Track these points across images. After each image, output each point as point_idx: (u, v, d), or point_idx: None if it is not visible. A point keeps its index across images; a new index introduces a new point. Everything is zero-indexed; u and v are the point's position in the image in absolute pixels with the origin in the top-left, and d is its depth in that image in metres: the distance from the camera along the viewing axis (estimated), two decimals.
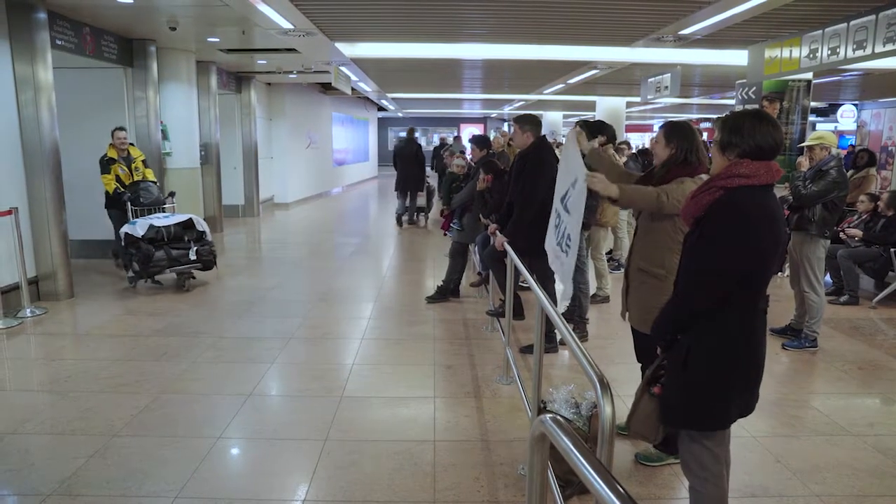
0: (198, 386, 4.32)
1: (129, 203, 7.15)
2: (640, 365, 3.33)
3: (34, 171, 6.24)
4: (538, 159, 4.69)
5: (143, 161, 7.54)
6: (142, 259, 6.49)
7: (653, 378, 2.40)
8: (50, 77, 6.24)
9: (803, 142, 7.67)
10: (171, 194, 7.85)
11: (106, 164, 7.17)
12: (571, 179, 3.03)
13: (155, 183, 7.58)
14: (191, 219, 6.99)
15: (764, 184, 2.12)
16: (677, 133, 3.10)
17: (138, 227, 6.62)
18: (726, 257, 2.10)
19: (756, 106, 8.35)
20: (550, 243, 3.49)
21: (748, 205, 2.10)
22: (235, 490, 3.07)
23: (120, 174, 7.22)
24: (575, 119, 9.75)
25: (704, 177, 3.02)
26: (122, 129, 7.32)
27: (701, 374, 2.20)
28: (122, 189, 7.19)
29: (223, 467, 3.32)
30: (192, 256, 6.73)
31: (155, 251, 6.57)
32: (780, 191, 5.87)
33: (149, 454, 3.36)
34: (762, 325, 2.26)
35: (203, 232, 6.98)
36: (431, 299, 6.55)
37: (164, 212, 7.38)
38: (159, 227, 6.69)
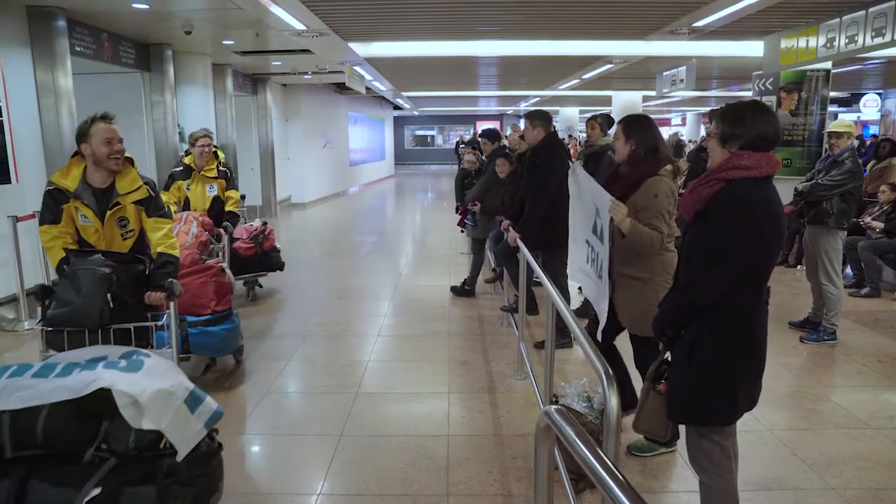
0: (215, 382, 4.38)
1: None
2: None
3: None
4: (549, 155, 4.69)
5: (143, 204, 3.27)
6: None
7: (656, 375, 2.38)
8: (70, 83, 6.38)
9: (823, 134, 7.57)
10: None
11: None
12: (593, 209, 3.02)
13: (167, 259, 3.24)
14: (105, 391, 2.17)
15: (765, 175, 2.11)
16: (635, 128, 3.11)
17: None
18: (728, 250, 2.09)
19: (773, 98, 8.25)
20: (587, 274, 3.32)
21: (750, 197, 2.09)
22: (253, 484, 3.13)
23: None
24: (591, 114, 9.75)
25: (669, 168, 3.05)
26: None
27: (706, 368, 2.19)
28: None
29: (241, 462, 3.38)
30: None
31: None
32: (784, 182, 5.79)
33: None
34: (764, 317, 2.25)
35: (154, 441, 2.24)
36: (457, 291, 6.67)
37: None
38: None
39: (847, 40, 6.03)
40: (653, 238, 2.97)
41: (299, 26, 6.84)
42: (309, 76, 13.10)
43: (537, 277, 3.53)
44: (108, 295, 2.95)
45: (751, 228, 2.08)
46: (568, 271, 3.54)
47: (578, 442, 1.43)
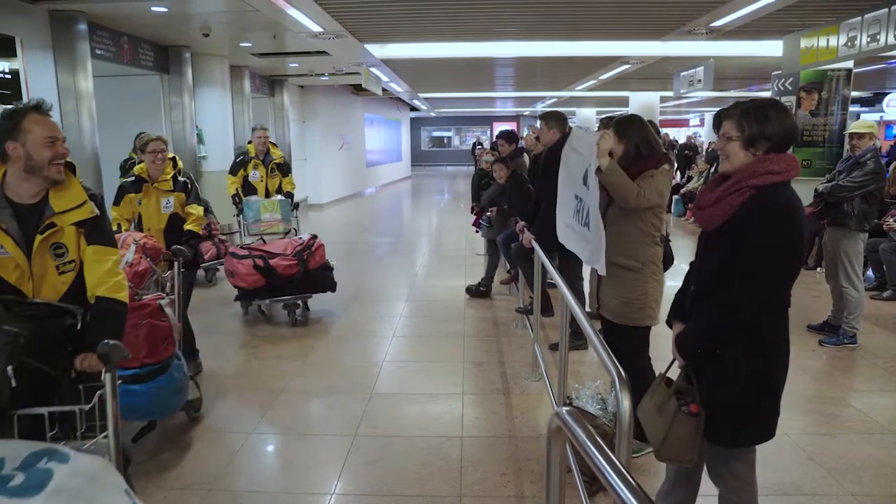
0: (231, 382, 4.43)
1: None
2: (669, 362, 3.28)
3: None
4: None
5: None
6: None
7: (678, 398, 2.19)
8: (90, 86, 6.48)
9: (844, 135, 7.46)
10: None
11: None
12: (586, 163, 3.06)
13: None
14: None
15: (791, 178, 2.03)
16: (625, 128, 3.12)
17: None
18: (777, 261, 2.00)
19: (793, 98, 8.14)
20: (571, 228, 3.39)
21: (787, 202, 2.00)
22: (267, 483, 3.15)
23: None
24: (606, 115, 9.74)
25: (667, 167, 3.06)
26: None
27: (752, 385, 2.08)
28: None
29: (256, 461, 3.41)
30: None
31: None
32: (803, 184, 5.70)
33: (184, 448, 3.46)
34: (788, 323, 2.17)
35: None
36: (472, 292, 6.67)
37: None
38: None
39: (869, 39, 5.93)
40: (631, 188, 2.94)
41: (316, 28, 6.89)
42: (325, 78, 13.18)
43: (552, 279, 3.52)
44: (10, 368, 2.01)
45: (790, 235, 1.99)
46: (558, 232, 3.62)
47: (589, 444, 1.41)
